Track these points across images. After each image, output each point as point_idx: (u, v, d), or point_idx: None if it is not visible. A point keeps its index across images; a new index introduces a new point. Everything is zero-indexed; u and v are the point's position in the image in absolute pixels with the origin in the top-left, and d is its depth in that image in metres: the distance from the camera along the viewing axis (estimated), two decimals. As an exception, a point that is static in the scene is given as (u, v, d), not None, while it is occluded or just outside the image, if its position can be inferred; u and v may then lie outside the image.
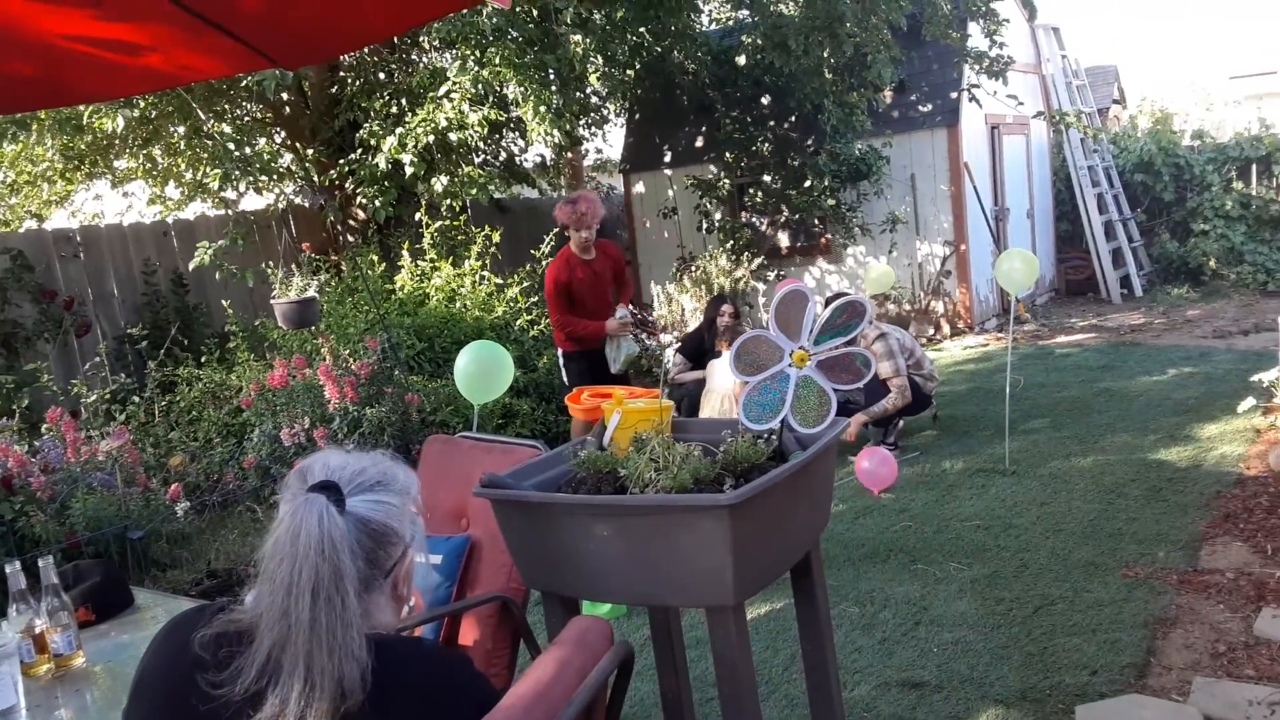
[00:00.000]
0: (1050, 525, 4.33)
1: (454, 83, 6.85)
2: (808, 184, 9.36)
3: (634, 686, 3.16)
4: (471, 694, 1.23)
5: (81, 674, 2.14)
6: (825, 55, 8.37)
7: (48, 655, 2.12)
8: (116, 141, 7.59)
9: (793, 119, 9.55)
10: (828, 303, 2.39)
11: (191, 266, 7.12)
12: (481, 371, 4.10)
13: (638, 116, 11.09)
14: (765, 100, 9.69)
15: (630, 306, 5.35)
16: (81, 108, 6.56)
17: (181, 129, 7.89)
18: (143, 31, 2.47)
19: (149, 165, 8.21)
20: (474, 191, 7.24)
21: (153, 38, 2.48)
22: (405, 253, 7.38)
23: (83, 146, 7.51)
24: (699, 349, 6.08)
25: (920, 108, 9.87)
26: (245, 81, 7.18)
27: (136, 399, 5.81)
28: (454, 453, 2.69)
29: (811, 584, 2.17)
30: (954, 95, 9.61)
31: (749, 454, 1.96)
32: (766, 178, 9.91)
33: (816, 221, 10.05)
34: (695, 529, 1.74)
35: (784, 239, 10.42)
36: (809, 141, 9.53)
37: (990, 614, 3.52)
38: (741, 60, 9.02)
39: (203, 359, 6.61)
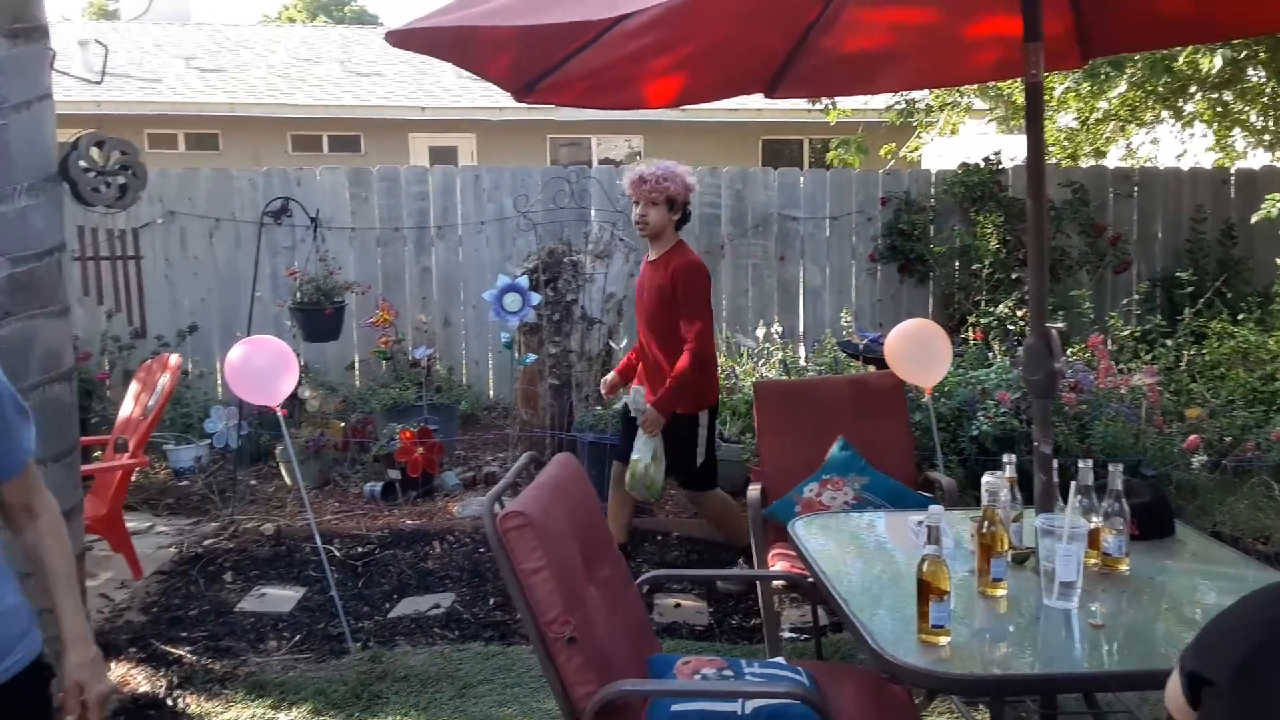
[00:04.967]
0: None
1: None
2: None
3: None
4: None
5: (1122, 579, 2.28)
6: None
7: (1097, 551, 2.31)
8: (1192, 85, 7.41)
9: None
10: None
11: (1254, 219, 6.62)
12: None
13: None
14: None
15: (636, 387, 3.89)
16: (1178, 49, 6.57)
17: (1264, 74, 7.29)
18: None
19: (1218, 110, 7.84)
20: None
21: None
22: None
23: (1158, 88, 7.53)
24: None
25: None
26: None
27: (1167, 343, 5.78)
28: None
29: None
30: None
31: None
32: None
33: None
34: None
35: None
36: None
37: None
38: None
39: (1239, 316, 6.20)
